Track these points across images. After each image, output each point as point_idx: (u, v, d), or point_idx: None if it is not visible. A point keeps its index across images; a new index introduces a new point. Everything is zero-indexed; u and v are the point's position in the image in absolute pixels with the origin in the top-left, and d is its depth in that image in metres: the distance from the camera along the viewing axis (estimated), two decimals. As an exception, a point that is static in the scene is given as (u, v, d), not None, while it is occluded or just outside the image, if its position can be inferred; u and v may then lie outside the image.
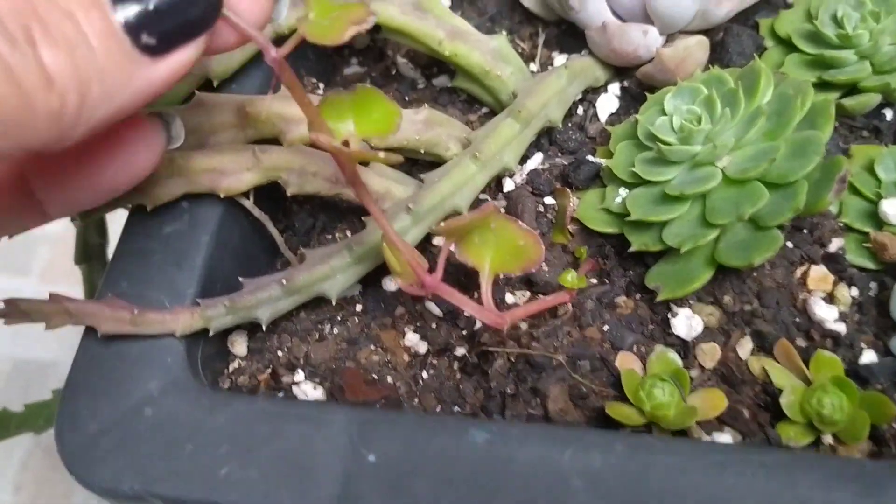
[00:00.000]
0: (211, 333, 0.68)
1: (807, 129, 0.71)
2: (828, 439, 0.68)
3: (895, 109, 0.82)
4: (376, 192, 0.75)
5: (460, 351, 0.75)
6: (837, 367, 0.68)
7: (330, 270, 0.70)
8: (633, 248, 0.74)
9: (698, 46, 0.79)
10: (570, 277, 0.70)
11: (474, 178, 0.74)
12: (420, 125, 0.76)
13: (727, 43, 0.86)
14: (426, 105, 0.78)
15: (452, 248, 0.66)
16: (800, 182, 0.69)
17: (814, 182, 0.71)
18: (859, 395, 0.67)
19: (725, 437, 0.68)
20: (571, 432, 0.61)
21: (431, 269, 0.64)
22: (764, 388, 0.70)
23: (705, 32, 0.86)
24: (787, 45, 0.85)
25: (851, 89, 0.81)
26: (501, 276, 0.79)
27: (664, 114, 0.75)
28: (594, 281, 0.78)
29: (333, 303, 0.72)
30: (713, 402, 0.69)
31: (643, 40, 0.79)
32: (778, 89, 0.74)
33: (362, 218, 0.73)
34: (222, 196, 0.70)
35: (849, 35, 0.79)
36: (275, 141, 0.74)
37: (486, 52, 0.80)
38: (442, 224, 0.63)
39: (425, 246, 0.77)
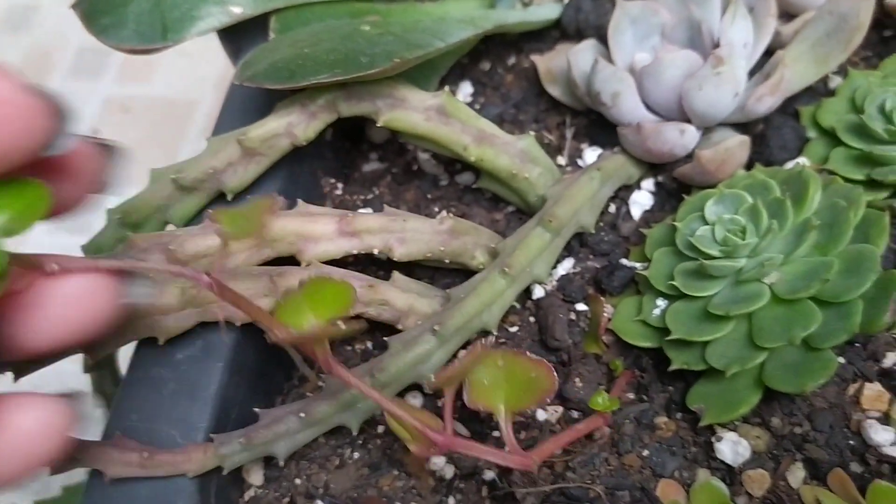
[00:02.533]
0: (225, 472, 0.65)
1: (859, 242, 0.68)
2: (894, 578, 0.64)
3: (950, 208, 0.79)
4: (399, 308, 0.72)
5: (489, 475, 0.72)
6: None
7: (352, 399, 0.67)
8: (673, 367, 0.71)
9: (739, 147, 0.76)
10: (601, 400, 0.68)
11: (503, 293, 0.72)
12: (445, 235, 0.74)
13: (768, 136, 0.83)
14: (450, 213, 0.75)
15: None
16: (854, 301, 0.66)
17: (869, 300, 0.68)
18: (922, 531, 0.63)
19: (780, 578, 0.64)
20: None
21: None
22: (821, 519, 0.66)
23: (744, 125, 0.84)
24: (832, 138, 0.83)
25: (903, 189, 0.78)
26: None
27: (705, 222, 0.73)
28: (631, 396, 0.75)
29: (354, 433, 0.70)
30: (764, 537, 0.65)
31: (680, 139, 0.77)
32: (827, 197, 0.71)
33: (384, 338, 0.71)
34: (239, 325, 0.68)
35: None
36: (291, 259, 0.71)
37: (514, 155, 0.78)
38: (433, 378, 0.62)
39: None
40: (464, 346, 0.74)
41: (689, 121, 0.79)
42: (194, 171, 0.73)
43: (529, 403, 0.65)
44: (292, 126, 0.73)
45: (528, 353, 0.65)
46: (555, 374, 0.64)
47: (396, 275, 0.75)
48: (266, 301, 0.68)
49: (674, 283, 0.72)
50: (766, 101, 0.79)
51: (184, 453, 0.64)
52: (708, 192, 0.75)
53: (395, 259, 0.72)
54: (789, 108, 0.87)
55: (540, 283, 0.79)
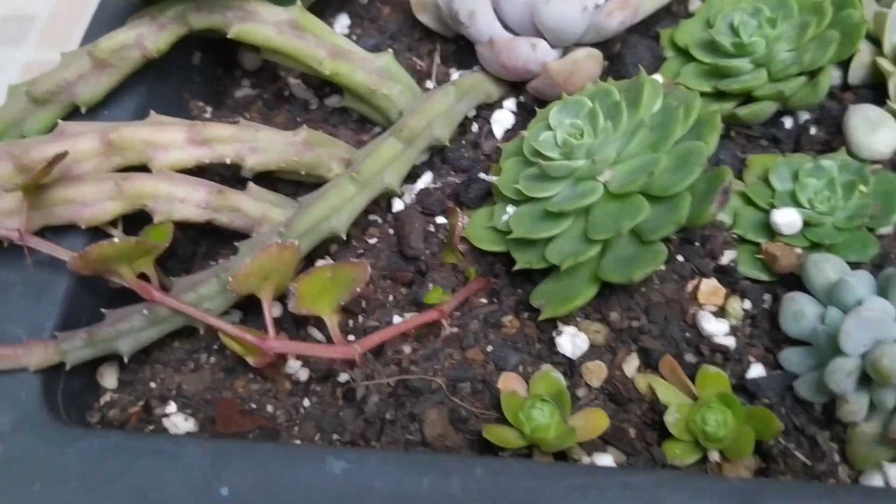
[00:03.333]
0: (68, 367, 0.67)
1: (693, 141, 0.71)
2: (714, 456, 0.67)
3: (795, 118, 0.82)
4: (252, 216, 0.74)
5: (344, 377, 0.74)
6: (724, 383, 0.68)
7: (197, 298, 0.69)
8: (517, 267, 0.74)
9: (588, 59, 0.79)
10: (435, 294, 0.70)
11: (353, 199, 0.74)
12: (299, 146, 0.76)
13: (624, 55, 0.86)
14: (305, 125, 0.77)
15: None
16: (682, 195, 0.69)
17: (699, 194, 0.71)
18: (745, 411, 0.66)
19: (607, 458, 0.67)
20: (431, 458, 0.60)
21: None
22: (651, 406, 0.69)
23: (603, 45, 0.86)
24: (686, 56, 0.86)
25: (747, 98, 0.81)
26: (391, 298, 0.79)
27: (549, 129, 0.75)
28: (484, 301, 0.77)
29: (201, 332, 0.71)
30: (595, 422, 0.68)
31: (532, 54, 0.80)
32: (665, 101, 0.74)
33: (235, 244, 0.72)
34: (84, 227, 0.70)
35: (744, 43, 0.80)
36: (145, 168, 0.73)
37: (372, 71, 0.80)
38: (231, 280, 0.64)
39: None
40: (315, 251, 0.76)
41: (543, 37, 0.82)
42: (46, 83, 0.75)
43: (345, 296, 0.68)
44: (142, 38, 0.75)
45: (352, 260, 0.68)
46: (368, 268, 0.67)
47: (251, 184, 0.76)
48: (112, 204, 0.70)
49: (519, 187, 0.75)
50: (617, 16, 0.81)
51: (25, 347, 0.65)
52: (556, 102, 0.77)
53: (247, 168, 0.74)
54: (651, 30, 0.90)
55: (396, 195, 0.81)
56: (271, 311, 0.65)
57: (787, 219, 0.72)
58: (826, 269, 0.68)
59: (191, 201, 0.72)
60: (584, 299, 0.71)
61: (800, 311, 0.67)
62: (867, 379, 0.63)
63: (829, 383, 0.62)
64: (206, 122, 0.74)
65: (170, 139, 0.72)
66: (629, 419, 0.70)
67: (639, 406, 0.70)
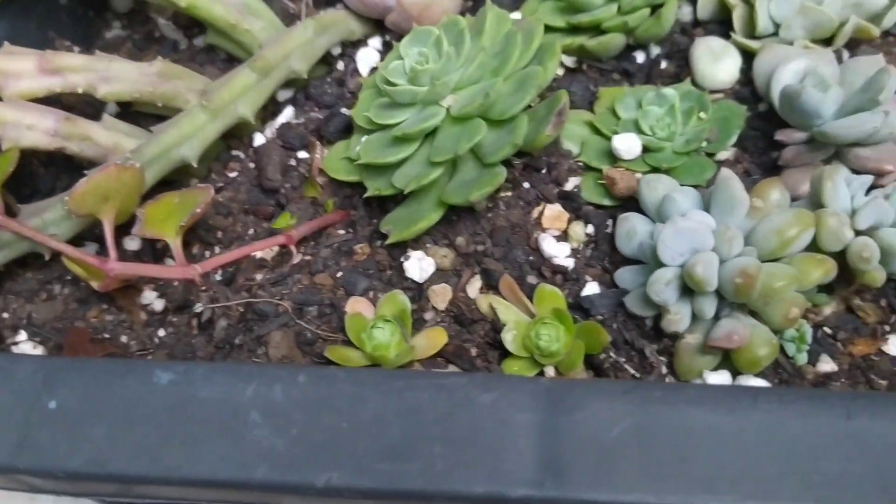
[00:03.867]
0: None
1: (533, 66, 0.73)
2: (550, 371, 0.69)
3: (647, 53, 0.84)
4: (104, 145, 0.75)
5: (199, 307, 0.75)
6: (559, 301, 0.70)
7: (42, 224, 0.70)
8: (368, 194, 0.75)
9: (442, -7, 0.80)
10: (283, 221, 0.71)
11: (204, 128, 0.75)
12: (154, 77, 0.77)
13: (484, -7, 0.87)
14: (160, 57, 0.78)
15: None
16: (519, 117, 0.71)
17: (539, 118, 0.73)
18: (577, 326, 0.68)
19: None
20: (256, 368, 0.61)
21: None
22: (493, 326, 0.71)
23: (466, -14, 0.88)
24: (546, -7, 0.87)
25: (599, 33, 0.83)
26: (251, 231, 0.80)
27: (400, 58, 0.76)
28: (342, 233, 0.78)
29: (47, 258, 0.72)
30: (434, 340, 0.70)
31: (391, -10, 0.81)
32: (509, 31, 0.75)
33: (83, 172, 0.73)
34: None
35: (594, -22, 0.81)
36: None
37: (232, 6, 0.81)
38: (67, 199, 0.65)
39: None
40: (164, 178, 0.76)
41: (401, -27, 0.83)
42: None
43: (188, 218, 0.68)
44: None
45: (199, 185, 0.69)
46: (211, 190, 0.69)
47: (104, 115, 0.77)
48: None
49: (369, 115, 0.76)
50: (473, -48, 0.83)
51: None
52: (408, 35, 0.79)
53: (98, 97, 0.74)
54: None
55: (252, 127, 0.82)
56: (113, 232, 0.66)
57: (626, 144, 0.74)
58: (658, 187, 0.70)
59: (39, 128, 0.72)
60: (428, 223, 0.72)
61: (632, 230, 0.70)
62: (688, 290, 0.65)
63: (650, 294, 0.65)
64: (58, 52, 0.74)
65: (20, 68, 0.73)
66: (472, 339, 0.71)
67: (482, 326, 0.72)
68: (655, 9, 0.81)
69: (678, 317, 0.65)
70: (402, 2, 0.79)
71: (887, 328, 0.69)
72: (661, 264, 0.65)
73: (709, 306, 0.65)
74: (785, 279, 0.62)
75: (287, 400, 0.59)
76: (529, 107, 0.75)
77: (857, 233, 0.66)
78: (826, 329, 0.69)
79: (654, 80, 0.83)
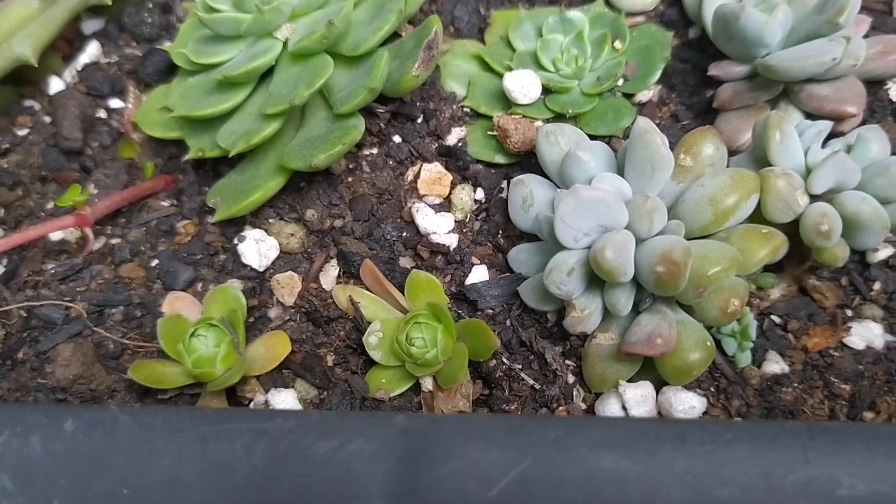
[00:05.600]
0: None
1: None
2: (427, 384, 0.54)
3: (549, -34, 0.68)
4: None
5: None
6: (436, 291, 0.55)
7: None
8: (189, 157, 0.59)
9: None
10: (71, 196, 0.54)
11: (-37, 73, 0.56)
12: None
13: None
14: None
15: None
16: (377, 53, 0.55)
17: (406, 53, 0.56)
18: (460, 325, 0.53)
19: (289, 395, 0.53)
20: (5, 411, 0.45)
21: None
22: (357, 324, 0.56)
23: None
24: None
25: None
26: (49, 205, 0.63)
27: (226, -24, 0.58)
28: (166, 204, 0.62)
29: None
30: (274, 349, 0.54)
31: None
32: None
33: None
34: None
35: None
36: None
37: None
38: None
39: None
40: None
41: None
42: None
43: None
44: None
45: None
46: None
47: None
48: None
49: (186, 52, 0.59)
50: None
51: None
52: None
53: None
54: None
55: (57, 74, 0.64)
56: None
57: (520, 83, 0.59)
58: (559, 141, 0.54)
59: None
60: (263, 194, 0.56)
61: (528, 197, 0.54)
62: (598, 278, 0.50)
63: (548, 286, 0.50)
64: None
65: None
66: (330, 343, 0.56)
67: (342, 325, 0.57)
68: None
69: (584, 313, 0.51)
70: None
71: (849, 313, 0.56)
72: (561, 247, 0.50)
73: (624, 299, 0.50)
74: (721, 263, 0.48)
75: (48, 457, 0.43)
76: (395, 37, 0.59)
77: (813, 198, 0.51)
78: (774, 318, 0.55)
79: (561, 1, 0.67)
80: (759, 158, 0.53)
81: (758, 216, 0.51)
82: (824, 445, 0.41)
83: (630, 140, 0.51)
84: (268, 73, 0.57)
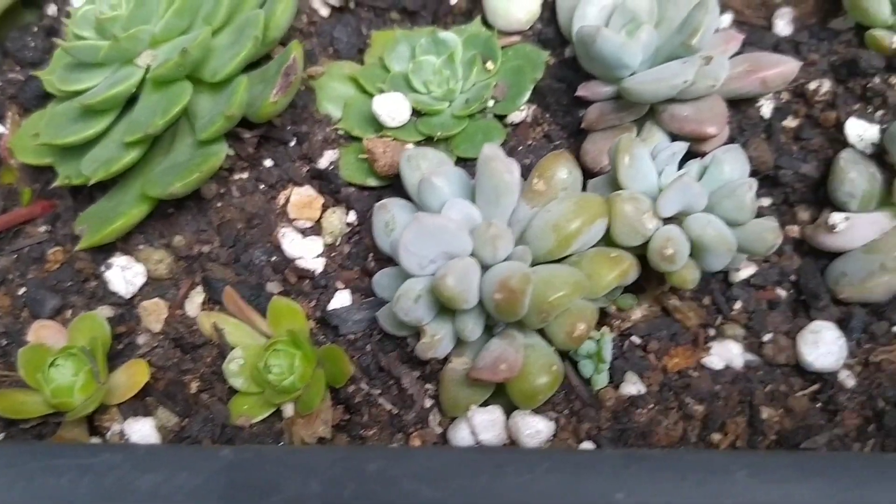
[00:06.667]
0: None
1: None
2: (289, 410, 0.55)
3: (437, -15, 0.68)
4: None
5: None
6: (297, 318, 0.56)
7: None
8: (56, 184, 0.59)
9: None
10: None
11: None
12: None
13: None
14: None
15: None
16: (236, 79, 0.55)
17: (268, 78, 0.57)
18: (320, 351, 0.54)
19: (146, 423, 0.54)
20: None
21: None
22: (223, 351, 0.56)
23: None
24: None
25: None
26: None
27: (93, 2, 0.59)
28: (42, 230, 0.62)
29: None
30: (135, 377, 0.55)
31: None
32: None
33: None
34: None
35: None
36: None
37: None
38: None
39: None
40: None
41: None
42: None
43: None
44: None
45: None
46: None
47: None
48: None
49: (53, 79, 0.59)
50: None
51: None
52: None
53: None
54: None
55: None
56: None
57: (387, 106, 0.59)
58: (422, 165, 0.55)
59: None
60: (127, 221, 0.57)
61: (391, 221, 0.55)
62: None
63: (397, 312, 0.50)
64: None
65: None
66: (197, 370, 0.57)
67: (209, 352, 0.57)
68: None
69: (435, 339, 0.51)
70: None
71: (711, 332, 0.57)
72: (408, 274, 0.50)
73: (471, 325, 0.51)
74: (564, 289, 0.49)
75: None
76: (268, 59, 0.60)
77: (667, 220, 0.52)
78: (635, 339, 0.56)
79: (443, 20, 0.67)
80: (614, 181, 0.53)
81: (609, 240, 0.52)
82: (641, 473, 0.42)
83: (478, 167, 0.51)
84: (136, 100, 0.58)
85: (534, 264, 0.51)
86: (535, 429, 0.51)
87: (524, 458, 0.43)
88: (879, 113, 0.59)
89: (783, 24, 0.65)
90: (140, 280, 0.58)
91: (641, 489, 0.41)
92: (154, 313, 0.58)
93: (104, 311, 0.58)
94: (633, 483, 0.41)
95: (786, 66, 0.58)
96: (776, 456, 0.47)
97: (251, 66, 0.60)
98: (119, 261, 0.58)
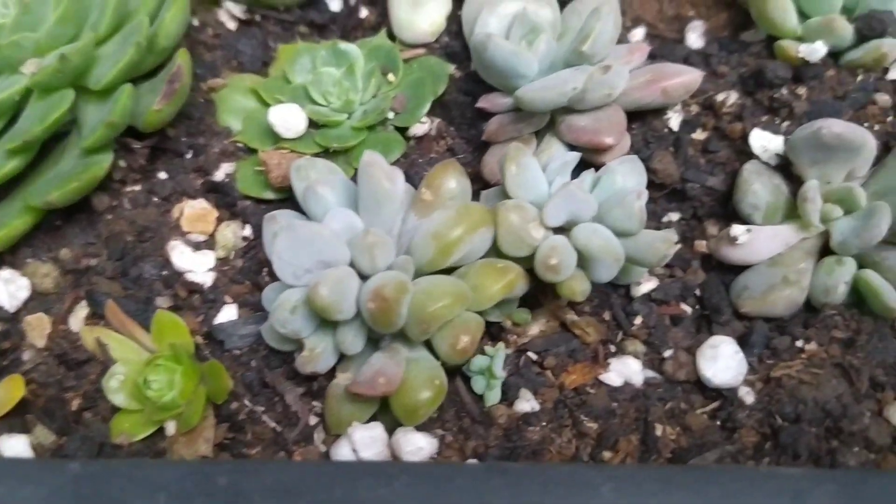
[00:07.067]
0: None
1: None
2: (171, 428, 0.53)
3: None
4: None
5: None
6: (181, 332, 0.54)
7: None
8: (-59, 195, 0.57)
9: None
10: None
11: None
12: None
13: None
14: None
15: None
16: (121, 88, 0.54)
17: (155, 87, 0.56)
18: (202, 367, 0.52)
19: (20, 440, 0.52)
20: None
21: None
22: (107, 367, 0.54)
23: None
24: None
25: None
26: None
27: (-16, 11, 0.58)
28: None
29: None
30: (10, 393, 0.54)
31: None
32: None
33: None
34: None
35: None
36: None
37: None
38: None
39: None
40: None
41: None
42: None
43: None
44: None
45: None
46: None
47: None
48: None
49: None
50: None
51: None
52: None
53: None
54: None
55: None
56: None
57: (283, 118, 0.58)
58: (311, 176, 0.54)
59: None
60: (7, 233, 0.56)
61: (278, 232, 0.53)
62: (331, 316, 0.49)
63: (274, 324, 0.49)
64: None
65: None
66: (80, 386, 0.55)
67: (94, 368, 0.56)
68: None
69: (315, 352, 0.50)
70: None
71: (612, 348, 0.55)
72: (285, 284, 0.49)
73: (351, 337, 0.49)
74: (444, 300, 0.47)
75: None
76: (159, 71, 0.58)
77: (557, 231, 0.51)
78: (531, 354, 0.54)
79: (352, 34, 0.66)
80: (504, 191, 0.52)
81: (500, 250, 0.51)
82: (502, 487, 0.40)
83: (358, 174, 0.50)
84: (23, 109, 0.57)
85: (419, 275, 0.50)
86: (417, 446, 0.49)
87: (382, 471, 0.41)
88: (786, 124, 0.58)
89: (695, 37, 0.65)
90: (24, 294, 0.57)
91: (501, 503, 0.39)
92: (38, 328, 0.56)
93: (-9, 326, 0.57)
94: (493, 496, 0.39)
95: (687, 76, 0.57)
96: (643, 470, 0.45)
97: (146, 76, 0.59)
98: (4, 274, 0.57)
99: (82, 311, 0.57)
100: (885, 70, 0.59)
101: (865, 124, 0.57)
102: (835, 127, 0.51)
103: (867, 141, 0.52)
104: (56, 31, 0.55)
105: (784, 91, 0.59)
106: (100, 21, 0.55)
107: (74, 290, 0.57)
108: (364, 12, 0.67)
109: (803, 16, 0.60)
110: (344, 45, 0.61)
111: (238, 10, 0.67)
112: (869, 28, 0.58)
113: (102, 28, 0.55)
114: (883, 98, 0.58)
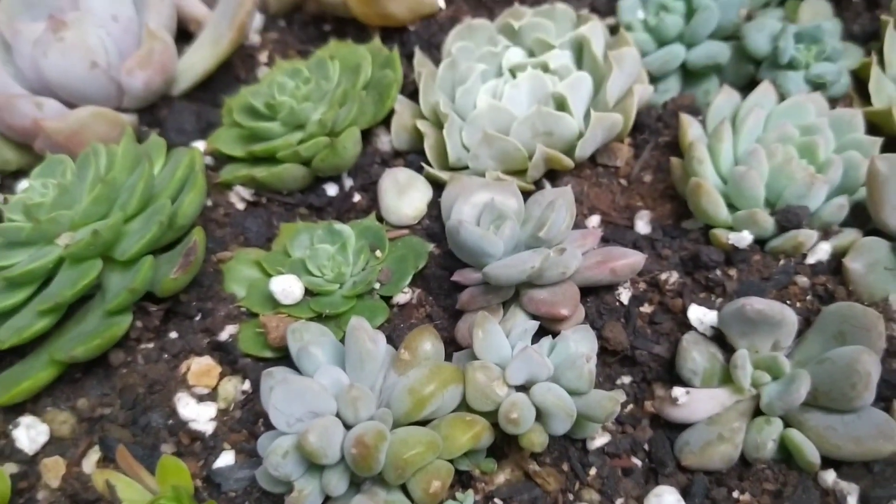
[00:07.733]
0: None
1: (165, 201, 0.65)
2: (167, 567, 0.58)
3: (340, 185, 0.78)
4: None
5: None
6: (183, 475, 0.60)
7: None
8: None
9: (96, 119, 0.73)
10: None
11: None
12: None
13: (166, 119, 0.81)
14: None
15: None
16: (142, 259, 0.63)
17: (173, 259, 0.65)
18: (195, 509, 0.59)
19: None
20: None
21: None
22: (114, 508, 0.60)
23: (151, 109, 0.81)
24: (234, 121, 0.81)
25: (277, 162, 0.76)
26: None
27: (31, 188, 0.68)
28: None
29: None
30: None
31: (39, 113, 0.73)
32: (138, 158, 0.68)
33: None
34: None
35: (274, 104, 0.75)
36: None
37: None
38: None
39: None
40: None
41: (57, 96, 0.76)
42: None
43: None
44: None
45: None
46: None
47: None
48: None
49: (-22, 257, 0.67)
50: (139, 75, 0.77)
51: None
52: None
53: None
54: (218, 97, 0.86)
55: None
56: None
57: (282, 286, 0.67)
58: (305, 337, 0.62)
59: None
60: (33, 384, 0.63)
61: (274, 386, 0.61)
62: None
63: (267, 467, 0.56)
64: None
65: None
66: (86, 527, 0.61)
67: (101, 508, 0.61)
68: (336, 135, 0.75)
69: (303, 494, 0.56)
70: (45, 127, 0.71)
71: (570, 496, 0.62)
72: (279, 432, 0.56)
73: (335, 481, 0.56)
74: (418, 447, 0.55)
75: None
76: (176, 244, 0.68)
77: (519, 388, 0.59)
78: (497, 501, 0.61)
79: (346, 215, 0.76)
80: (472, 353, 0.60)
81: (468, 405, 0.58)
82: None
83: (346, 336, 0.58)
84: (55, 276, 0.65)
85: (397, 426, 0.57)
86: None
87: None
88: (719, 300, 0.67)
89: (643, 224, 0.75)
90: (43, 438, 0.63)
91: None
92: (53, 470, 0.63)
93: (9, 468, 0.63)
94: None
95: (632, 259, 0.67)
96: None
97: (165, 248, 0.68)
98: (26, 420, 0.64)
99: (95, 454, 0.63)
100: (804, 256, 0.69)
101: (787, 302, 0.66)
102: (756, 304, 0.60)
103: (786, 316, 0.61)
104: (90, 210, 0.65)
105: (717, 272, 0.68)
106: (129, 202, 0.65)
107: (89, 435, 0.64)
108: (357, 197, 0.77)
109: (732, 208, 0.71)
110: (338, 226, 0.70)
111: (247, 194, 0.77)
112: (787, 220, 0.68)
113: (130, 208, 0.65)
114: (802, 280, 0.68)
